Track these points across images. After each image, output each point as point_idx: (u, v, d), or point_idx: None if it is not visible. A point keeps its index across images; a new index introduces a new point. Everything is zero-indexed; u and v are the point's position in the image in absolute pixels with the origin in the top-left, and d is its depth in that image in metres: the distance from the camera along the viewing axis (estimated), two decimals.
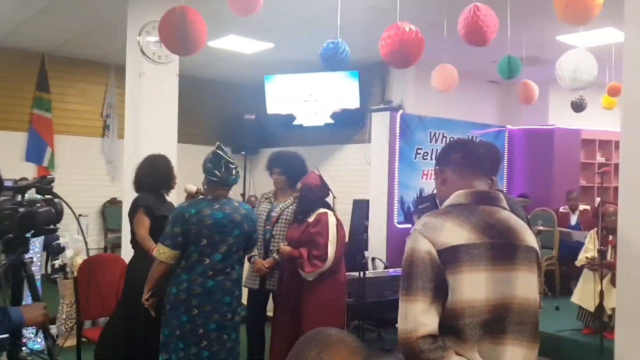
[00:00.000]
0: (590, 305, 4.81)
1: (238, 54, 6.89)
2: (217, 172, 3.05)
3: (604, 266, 4.57)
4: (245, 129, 8.59)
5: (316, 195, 3.66)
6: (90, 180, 7.82)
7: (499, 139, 7.82)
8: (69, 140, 7.65)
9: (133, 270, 3.48)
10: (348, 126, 7.52)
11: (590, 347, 4.58)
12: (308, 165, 3.97)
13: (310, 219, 3.60)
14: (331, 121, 7.47)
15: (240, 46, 6.57)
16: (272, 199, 3.96)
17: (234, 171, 3.08)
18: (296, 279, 3.58)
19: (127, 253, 4.06)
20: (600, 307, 4.54)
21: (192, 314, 2.95)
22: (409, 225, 6.79)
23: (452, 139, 7.22)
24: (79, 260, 4.73)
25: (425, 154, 7.09)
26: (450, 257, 1.55)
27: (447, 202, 1.70)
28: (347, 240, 6.97)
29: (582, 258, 5.12)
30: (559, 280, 6.45)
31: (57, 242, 5.34)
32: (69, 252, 4.94)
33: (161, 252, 2.99)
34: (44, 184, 2.02)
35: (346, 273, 4.70)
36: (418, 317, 1.53)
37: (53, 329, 4.93)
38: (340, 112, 7.39)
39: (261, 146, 8.90)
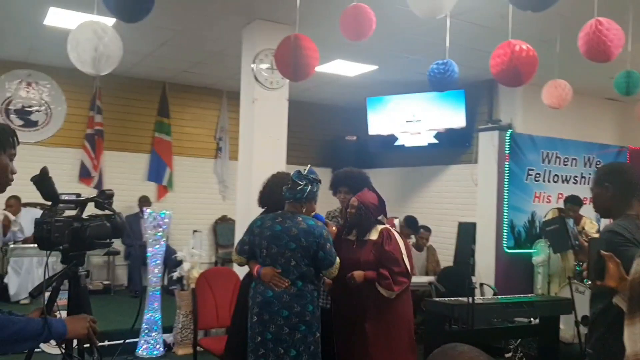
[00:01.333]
0: None
1: (342, 77, 7.06)
2: (283, 188, 3.25)
3: None
4: (347, 150, 8.73)
5: (374, 215, 3.59)
6: (203, 199, 8.31)
7: (621, 159, 7.32)
8: (185, 161, 8.21)
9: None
10: (453, 146, 7.39)
11: None
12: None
13: (373, 237, 3.51)
14: (435, 141, 7.39)
15: (345, 69, 6.73)
16: (340, 219, 3.90)
17: (298, 187, 3.19)
18: (371, 300, 3.45)
19: (238, 268, 4.26)
20: None
21: (252, 321, 3.11)
22: (520, 250, 6.53)
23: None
24: (195, 273, 5.04)
25: (538, 176, 6.81)
26: None
27: None
28: (452, 263, 6.87)
29: None
30: None
31: (175, 255, 5.74)
32: (186, 265, 5.28)
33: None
34: (102, 198, 2.00)
35: (455, 298, 4.63)
36: None
37: (169, 338, 5.27)
38: (444, 132, 7.30)
39: (362, 166, 8.90)
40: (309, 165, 3.32)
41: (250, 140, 4.84)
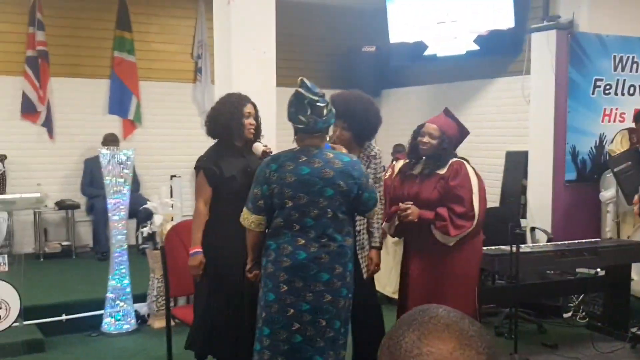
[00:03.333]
0: None
1: None
2: (301, 117, 3.04)
3: None
4: (364, 65, 8.57)
5: (454, 147, 3.75)
6: (182, 135, 8.25)
7: None
8: (155, 87, 8.13)
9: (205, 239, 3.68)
10: (498, 53, 7.23)
11: None
12: (449, 106, 3.90)
13: (442, 171, 3.62)
14: (475, 47, 7.21)
15: None
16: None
17: (324, 111, 3.03)
18: (427, 249, 3.64)
19: None
20: None
21: (280, 290, 3.00)
22: (584, 184, 6.44)
23: None
24: (170, 227, 5.06)
25: (608, 87, 6.62)
26: None
27: None
28: (498, 204, 6.86)
29: None
30: None
31: (145, 206, 5.78)
32: (157, 219, 5.31)
33: (245, 217, 3.15)
34: None
35: (496, 247, 4.65)
36: None
37: (143, 308, 5.37)
38: (487, 35, 7.10)
39: (384, 86, 8.87)
40: (302, 78, 3.15)
41: (228, 56, 4.73)
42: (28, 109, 7.41)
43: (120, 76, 7.84)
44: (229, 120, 3.62)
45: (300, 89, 3.06)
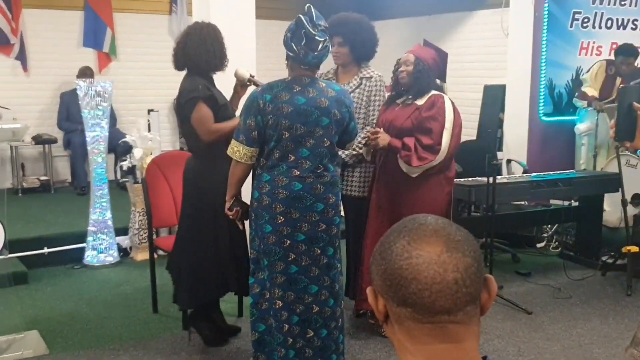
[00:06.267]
0: None
1: None
2: (294, 46, 2.98)
3: None
4: None
5: (434, 72, 3.71)
6: (159, 69, 8.11)
7: None
8: (130, 19, 7.99)
9: (200, 178, 3.54)
10: None
11: None
12: (427, 39, 3.90)
13: (420, 102, 3.62)
14: None
15: None
16: (334, 80, 3.94)
17: (319, 46, 2.97)
18: (394, 177, 3.66)
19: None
20: None
21: (276, 222, 3.02)
22: (560, 118, 6.51)
23: None
24: (150, 160, 5.07)
25: (586, 20, 6.61)
26: None
27: None
28: (475, 137, 6.92)
29: None
30: None
31: (124, 140, 5.75)
32: (137, 152, 5.30)
33: (235, 149, 3.05)
34: None
35: (474, 178, 4.73)
36: None
37: (125, 241, 5.43)
38: None
39: None
40: (309, 5, 3.01)
41: None
42: (0, 42, 7.24)
43: (94, 8, 7.69)
44: (223, 49, 3.52)
45: (302, 17, 2.97)
